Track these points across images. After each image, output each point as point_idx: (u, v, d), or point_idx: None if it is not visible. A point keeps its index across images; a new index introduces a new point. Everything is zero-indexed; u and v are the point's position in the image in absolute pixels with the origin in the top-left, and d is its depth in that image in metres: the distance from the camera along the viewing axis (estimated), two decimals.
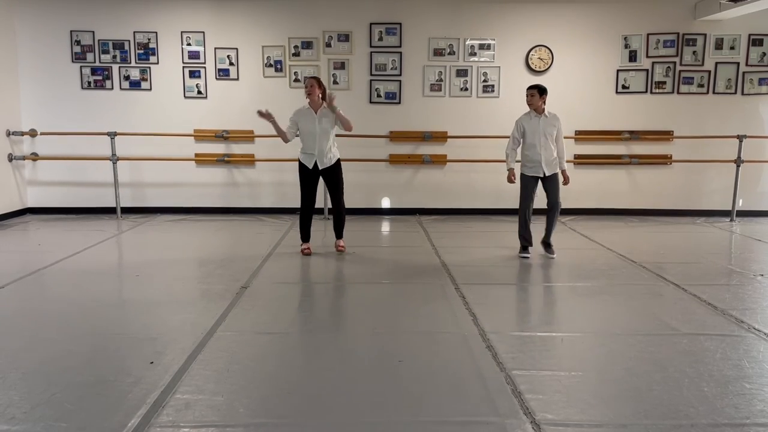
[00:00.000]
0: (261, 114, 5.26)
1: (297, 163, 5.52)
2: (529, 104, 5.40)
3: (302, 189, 5.54)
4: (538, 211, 5.75)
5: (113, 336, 3.47)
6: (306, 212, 5.60)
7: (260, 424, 2.49)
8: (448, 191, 8.03)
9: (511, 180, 5.55)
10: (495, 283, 4.74)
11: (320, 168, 5.45)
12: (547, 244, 5.58)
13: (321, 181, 5.59)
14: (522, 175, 5.55)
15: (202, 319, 3.73)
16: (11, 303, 4.15)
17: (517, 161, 5.60)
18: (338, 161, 5.55)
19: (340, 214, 5.69)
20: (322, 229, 7.05)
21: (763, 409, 2.63)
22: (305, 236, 5.66)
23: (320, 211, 7.75)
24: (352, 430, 2.46)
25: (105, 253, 5.77)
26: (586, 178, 7.92)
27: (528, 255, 5.54)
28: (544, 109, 5.38)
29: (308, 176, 5.48)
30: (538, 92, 5.33)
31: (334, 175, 5.52)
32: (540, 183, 5.50)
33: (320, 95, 5.35)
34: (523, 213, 5.57)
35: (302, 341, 3.45)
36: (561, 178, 5.48)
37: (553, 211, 5.49)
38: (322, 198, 7.64)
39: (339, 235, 5.79)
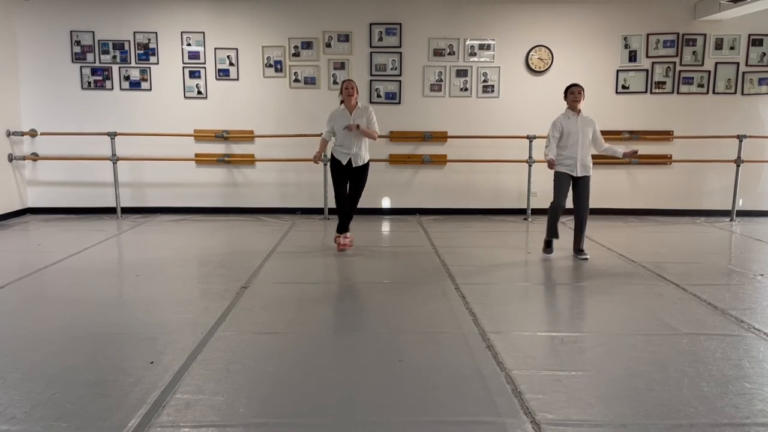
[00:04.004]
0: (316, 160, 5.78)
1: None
2: (574, 102, 5.32)
3: (336, 185, 5.72)
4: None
5: (113, 336, 3.47)
6: (342, 206, 5.75)
7: (260, 424, 2.49)
8: (448, 191, 8.02)
9: (552, 165, 5.35)
10: (495, 282, 4.73)
11: (353, 166, 5.63)
12: (579, 250, 5.51)
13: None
14: (555, 173, 5.46)
15: (202, 319, 3.73)
16: (11, 303, 4.15)
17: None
18: (368, 163, 5.76)
19: (351, 212, 5.80)
20: (321, 229, 7.05)
21: (763, 408, 2.63)
22: (346, 227, 5.78)
23: (320, 211, 7.76)
24: (352, 430, 2.46)
25: (105, 253, 5.77)
26: None
27: (551, 252, 5.49)
28: (580, 110, 5.37)
29: (341, 172, 5.67)
30: (584, 91, 5.33)
31: (362, 174, 5.72)
32: (571, 184, 5.45)
33: (356, 98, 5.65)
34: (554, 207, 5.45)
35: (302, 341, 3.45)
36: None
37: (582, 219, 5.48)
38: (322, 198, 7.66)
39: (345, 229, 5.77)
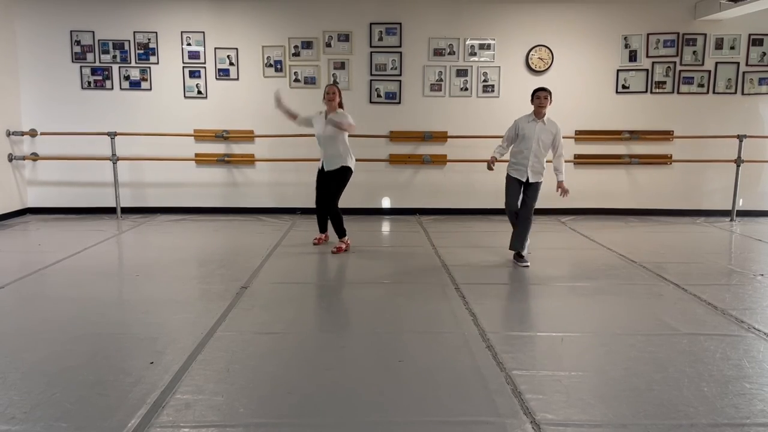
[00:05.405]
0: (278, 101, 5.82)
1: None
2: (539, 107, 5.08)
3: (316, 190, 5.99)
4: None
5: (113, 336, 3.47)
6: (318, 209, 6.04)
7: (260, 424, 2.49)
8: (448, 191, 8.02)
9: (490, 166, 5.24)
10: (495, 283, 4.74)
11: (325, 170, 5.73)
12: (518, 255, 5.27)
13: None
14: (506, 176, 5.30)
15: (202, 319, 3.73)
16: (11, 303, 4.15)
17: (504, 161, 5.44)
18: (343, 168, 5.66)
19: (325, 213, 5.95)
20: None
21: (763, 409, 2.63)
22: (321, 228, 6.15)
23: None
24: (352, 430, 2.46)
25: (105, 253, 5.76)
26: (586, 178, 7.92)
27: (526, 262, 5.19)
28: (545, 114, 5.15)
29: (318, 178, 5.91)
30: (551, 96, 5.11)
31: (332, 178, 5.71)
32: (522, 188, 5.24)
33: (339, 103, 5.72)
34: (509, 213, 5.36)
35: (302, 341, 3.45)
36: (560, 188, 5.21)
37: (524, 223, 5.22)
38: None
39: (332, 233, 5.97)
